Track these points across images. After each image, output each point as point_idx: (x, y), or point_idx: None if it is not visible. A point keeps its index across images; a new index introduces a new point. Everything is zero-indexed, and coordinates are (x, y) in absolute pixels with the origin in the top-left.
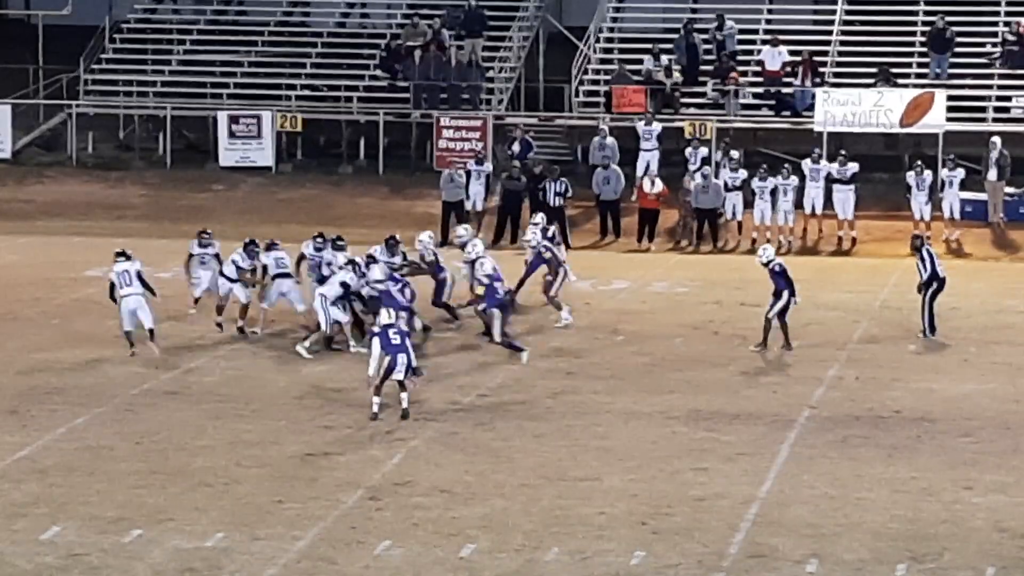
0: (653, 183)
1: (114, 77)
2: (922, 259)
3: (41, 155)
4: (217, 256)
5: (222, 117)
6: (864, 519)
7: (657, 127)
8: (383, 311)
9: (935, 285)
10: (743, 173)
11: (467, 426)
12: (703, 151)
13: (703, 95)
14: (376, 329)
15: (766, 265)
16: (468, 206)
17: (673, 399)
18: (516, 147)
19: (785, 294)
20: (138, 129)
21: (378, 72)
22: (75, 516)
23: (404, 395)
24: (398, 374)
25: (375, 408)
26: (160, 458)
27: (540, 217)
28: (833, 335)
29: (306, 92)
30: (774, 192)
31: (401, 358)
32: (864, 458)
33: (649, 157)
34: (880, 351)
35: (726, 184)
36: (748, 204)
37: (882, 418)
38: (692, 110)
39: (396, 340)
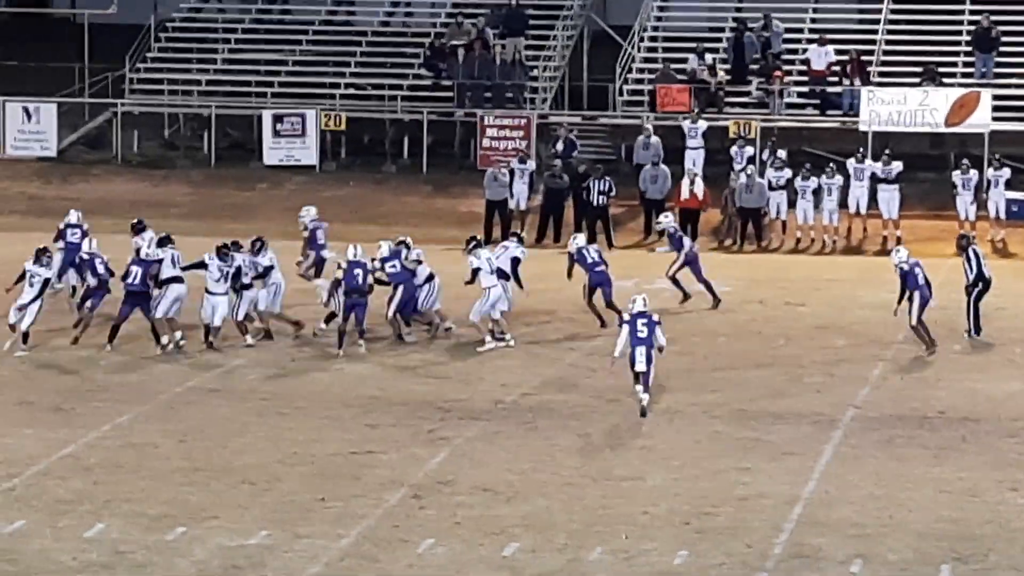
0: (693, 182)
1: (159, 76)
2: (968, 259)
3: (86, 153)
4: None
5: (266, 116)
6: (909, 519)
7: (702, 125)
8: (637, 299)
9: (981, 285)
10: (787, 172)
11: (510, 425)
12: (749, 150)
13: (748, 94)
14: (627, 317)
15: (896, 266)
16: (512, 205)
17: (716, 398)
18: (560, 146)
19: (916, 295)
20: (183, 128)
21: (422, 71)
22: (119, 513)
23: (644, 395)
24: (639, 365)
25: (643, 402)
26: (204, 456)
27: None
28: (878, 335)
29: (350, 91)
30: (817, 191)
31: (639, 351)
32: (909, 458)
33: (695, 155)
34: (925, 351)
35: (770, 183)
36: (793, 203)
37: (927, 418)
38: (737, 109)
39: (642, 332)
